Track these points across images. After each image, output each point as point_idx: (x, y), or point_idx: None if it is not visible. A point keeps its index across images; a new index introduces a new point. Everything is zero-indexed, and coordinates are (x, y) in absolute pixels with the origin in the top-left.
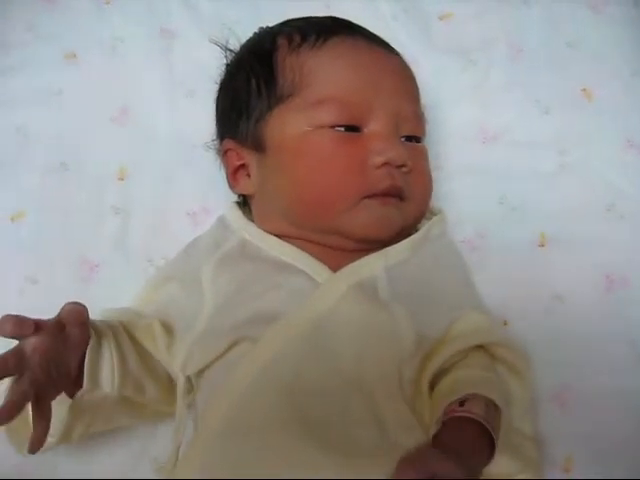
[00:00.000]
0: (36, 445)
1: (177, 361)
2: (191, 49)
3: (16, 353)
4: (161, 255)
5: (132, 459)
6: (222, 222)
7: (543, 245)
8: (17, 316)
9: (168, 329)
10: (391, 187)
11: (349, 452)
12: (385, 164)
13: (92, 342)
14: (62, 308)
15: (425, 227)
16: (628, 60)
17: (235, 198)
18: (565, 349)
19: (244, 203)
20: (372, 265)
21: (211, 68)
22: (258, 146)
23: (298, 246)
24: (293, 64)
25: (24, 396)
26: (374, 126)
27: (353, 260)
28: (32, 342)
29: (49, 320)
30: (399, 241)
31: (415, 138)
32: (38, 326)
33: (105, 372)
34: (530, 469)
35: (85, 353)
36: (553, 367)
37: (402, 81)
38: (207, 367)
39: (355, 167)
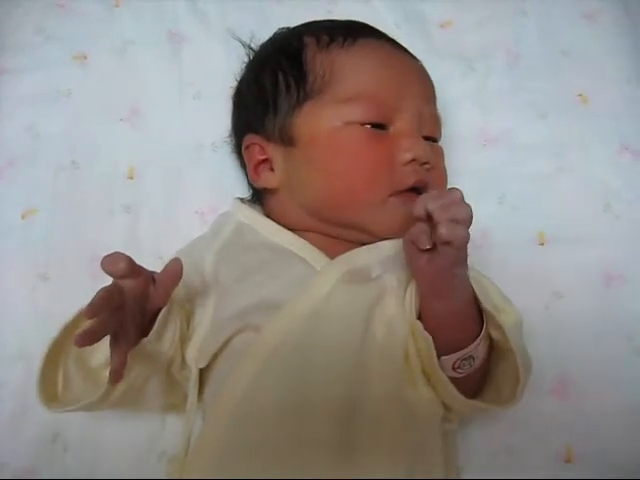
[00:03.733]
0: (117, 375)
1: (190, 354)
2: (199, 52)
3: (119, 291)
4: (171, 252)
5: (139, 453)
6: (221, 214)
7: (542, 244)
8: (128, 258)
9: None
10: (418, 182)
11: (354, 439)
12: (412, 161)
13: (167, 306)
14: (166, 266)
15: None
16: (622, 67)
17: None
18: (564, 343)
19: (256, 201)
20: (367, 255)
21: (218, 70)
22: (286, 140)
23: (304, 238)
24: (323, 61)
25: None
26: (400, 125)
27: (351, 249)
28: (129, 283)
29: (146, 270)
30: None
31: (433, 139)
32: (138, 272)
33: (169, 334)
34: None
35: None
36: (553, 360)
37: (425, 84)
38: (212, 359)
39: (383, 164)
